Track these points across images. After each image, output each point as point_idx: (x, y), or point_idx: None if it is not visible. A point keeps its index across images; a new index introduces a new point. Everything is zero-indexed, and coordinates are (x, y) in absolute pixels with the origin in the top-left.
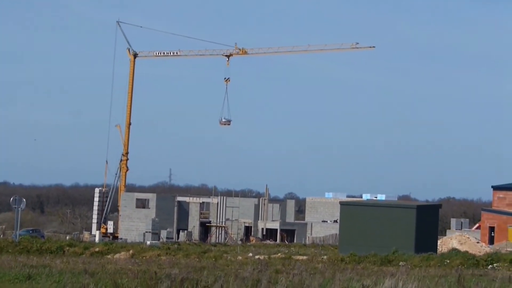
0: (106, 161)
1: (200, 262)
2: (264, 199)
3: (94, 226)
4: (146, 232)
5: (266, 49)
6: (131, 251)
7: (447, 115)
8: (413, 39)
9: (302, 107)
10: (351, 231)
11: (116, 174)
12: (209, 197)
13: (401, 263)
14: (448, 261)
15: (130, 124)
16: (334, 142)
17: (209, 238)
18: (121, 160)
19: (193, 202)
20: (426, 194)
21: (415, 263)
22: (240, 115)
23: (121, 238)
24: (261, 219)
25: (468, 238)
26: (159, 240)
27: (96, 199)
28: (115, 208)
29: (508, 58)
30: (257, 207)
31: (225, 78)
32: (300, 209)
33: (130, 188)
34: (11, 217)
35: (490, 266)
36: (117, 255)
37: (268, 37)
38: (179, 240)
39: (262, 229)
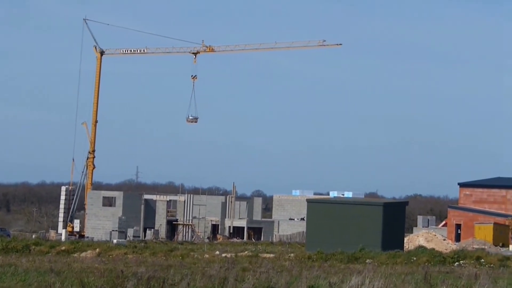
0: (73, 159)
1: (167, 261)
2: (231, 197)
3: (60, 225)
4: (113, 230)
5: (233, 46)
6: (97, 250)
7: (414, 112)
8: (379, 37)
9: (269, 104)
10: (318, 229)
11: (82, 172)
12: (176, 195)
13: (368, 260)
14: (414, 259)
15: (96, 121)
16: (301, 139)
17: (176, 236)
18: (87, 158)
19: (160, 200)
20: (393, 191)
21: (382, 261)
22: (207, 112)
23: (87, 237)
24: (228, 217)
25: (435, 235)
26: (125, 238)
27: (63, 197)
28: (81, 207)
29: (474, 54)
30: (224, 205)
31: (192, 76)
32: (267, 207)
33: (97, 186)
34: None
35: (457, 263)
36: (83, 254)
37: (235, 35)
38: (146, 238)
39: (229, 227)
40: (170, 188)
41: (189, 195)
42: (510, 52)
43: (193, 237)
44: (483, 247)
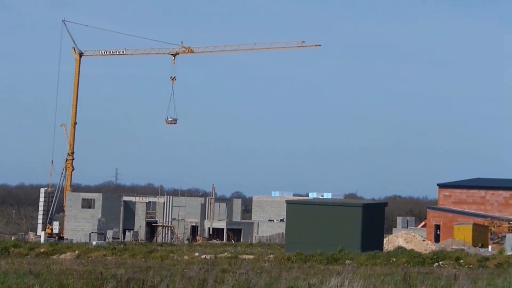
0: (52, 161)
1: (146, 262)
2: (211, 198)
3: (39, 227)
4: (92, 232)
5: (212, 47)
6: (76, 252)
7: (392, 113)
8: (358, 38)
9: (248, 106)
10: (298, 230)
11: (61, 173)
12: (156, 197)
13: (347, 261)
14: (394, 259)
15: (75, 123)
16: (280, 140)
17: (155, 238)
18: (66, 160)
19: (140, 201)
20: (372, 192)
21: (361, 262)
22: (187, 114)
23: (66, 239)
24: (207, 219)
25: (414, 236)
26: (105, 240)
27: (42, 199)
28: (61, 208)
29: (452, 54)
30: (203, 207)
31: (171, 77)
32: (247, 208)
33: (76, 188)
34: None
35: (436, 264)
36: (62, 256)
37: (214, 36)
38: (125, 240)
39: (209, 228)
40: (149, 190)
41: (168, 196)
42: (488, 53)
43: (172, 238)
44: (462, 247)
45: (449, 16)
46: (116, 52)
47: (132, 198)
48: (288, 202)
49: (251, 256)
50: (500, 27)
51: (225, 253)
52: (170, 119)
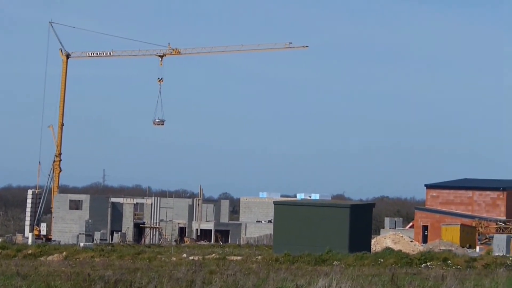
0: (39, 162)
1: (134, 264)
2: (198, 200)
3: (27, 228)
4: (80, 233)
5: (199, 49)
6: (64, 253)
7: (380, 114)
8: (346, 39)
9: (235, 107)
10: (285, 231)
11: (49, 175)
12: (143, 198)
13: (335, 262)
14: (382, 260)
15: (63, 125)
16: (268, 141)
17: (143, 239)
18: (54, 161)
19: (127, 203)
20: (360, 193)
21: (349, 262)
22: (174, 115)
23: (54, 240)
24: (195, 220)
25: (402, 237)
26: (92, 242)
27: (29, 200)
28: (48, 210)
29: (436, 57)
30: (191, 208)
31: (158, 78)
32: (235, 209)
33: (63, 189)
34: None
35: (424, 264)
36: (50, 257)
37: (201, 37)
38: (113, 241)
39: (197, 229)
40: (137, 191)
41: (156, 198)
42: (473, 54)
43: (160, 240)
44: (450, 248)
45: (433, 16)
46: (103, 53)
47: (120, 200)
48: (276, 203)
49: (239, 257)
50: (484, 27)
51: (213, 254)
52: (157, 120)
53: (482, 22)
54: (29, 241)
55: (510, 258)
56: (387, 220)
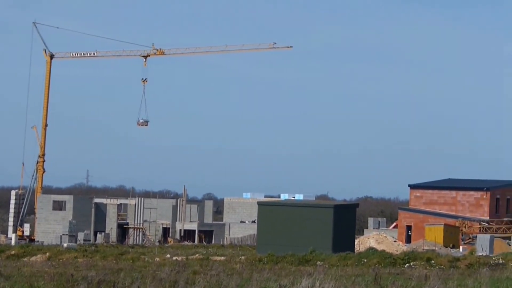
0: (23, 163)
1: (117, 264)
2: (182, 200)
3: (10, 229)
4: (63, 234)
5: (183, 49)
6: (47, 254)
7: (364, 114)
8: (329, 39)
9: (220, 107)
10: (269, 231)
11: (32, 176)
12: (127, 199)
13: (318, 262)
14: (365, 260)
15: (46, 125)
16: (252, 142)
17: (126, 240)
18: (37, 162)
19: (111, 203)
20: (343, 193)
21: (333, 263)
22: (158, 115)
23: (37, 241)
24: (179, 220)
25: (385, 237)
26: (76, 242)
27: (12, 201)
28: (31, 211)
29: (420, 54)
30: (175, 208)
31: (142, 79)
32: (218, 210)
33: (47, 190)
34: None
35: (407, 264)
36: (33, 258)
37: (185, 38)
38: (96, 242)
39: (180, 230)
40: (120, 192)
41: (139, 198)
42: (456, 54)
43: (144, 240)
44: (434, 248)
45: (418, 16)
46: (87, 54)
47: (103, 200)
48: (260, 204)
49: (222, 258)
50: (469, 30)
51: (197, 255)
52: (141, 120)
53: (466, 22)
54: (12, 242)
55: (493, 258)
56: (370, 220)
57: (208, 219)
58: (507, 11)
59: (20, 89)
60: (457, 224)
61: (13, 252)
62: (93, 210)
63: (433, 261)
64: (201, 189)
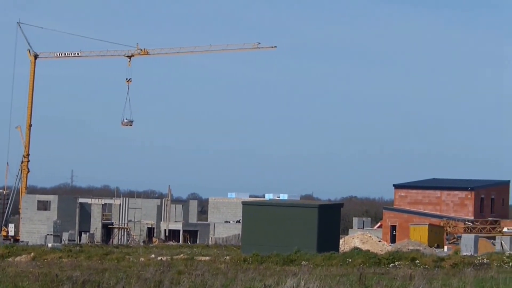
0: (7, 163)
1: (102, 264)
2: (167, 200)
3: None
4: (48, 234)
5: (167, 49)
6: (32, 254)
7: (348, 115)
8: (314, 39)
9: (204, 107)
10: (254, 231)
11: (17, 176)
12: (112, 199)
13: (303, 262)
14: (350, 260)
15: (31, 125)
16: (236, 142)
17: (111, 240)
18: (22, 162)
19: (95, 203)
20: (328, 193)
21: (317, 262)
22: (143, 115)
23: (22, 241)
24: (163, 220)
25: (370, 237)
26: (61, 242)
27: None
28: (16, 211)
29: (405, 55)
30: (159, 208)
31: (126, 79)
32: (203, 210)
33: (32, 190)
34: None
35: (392, 264)
36: (18, 258)
37: (170, 38)
38: (81, 242)
39: (165, 230)
40: (105, 192)
41: (124, 198)
42: (433, 54)
43: (128, 240)
44: (418, 248)
45: (402, 17)
46: (71, 54)
47: (88, 200)
48: (244, 203)
49: (207, 258)
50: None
51: (181, 255)
52: (125, 120)
53: (446, 22)
54: None
55: (478, 258)
56: (355, 220)
57: (193, 219)
58: (479, 11)
59: (4, 89)
60: (441, 224)
61: None
62: (77, 210)
63: (417, 261)
64: (185, 189)
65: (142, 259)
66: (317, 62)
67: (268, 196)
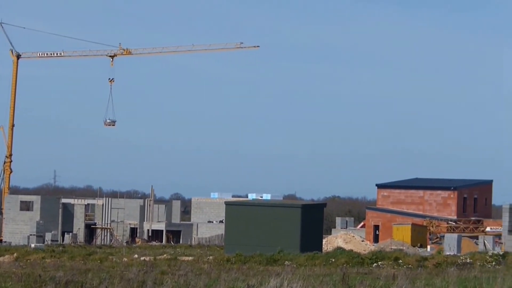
0: None
1: (85, 265)
2: (150, 200)
3: None
4: (31, 235)
5: (150, 49)
6: (15, 254)
7: (330, 114)
8: (297, 39)
9: (187, 107)
10: (237, 231)
11: None
12: (94, 199)
13: (286, 262)
14: (333, 260)
15: (13, 125)
16: (219, 142)
17: (94, 240)
18: (4, 162)
19: (78, 204)
20: (311, 193)
21: (301, 262)
22: (125, 115)
23: (5, 242)
24: (146, 220)
25: (353, 236)
26: (44, 243)
27: None
28: None
29: (386, 57)
30: (142, 208)
31: (109, 79)
32: (186, 210)
33: (14, 190)
34: None
35: (375, 264)
36: (1, 259)
37: (152, 37)
38: (64, 242)
39: (148, 230)
40: (88, 192)
41: (107, 198)
42: (414, 55)
43: (111, 240)
44: (401, 248)
45: (381, 17)
46: (53, 54)
47: (71, 200)
48: (227, 203)
49: (190, 258)
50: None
51: (164, 255)
52: (108, 120)
53: (416, 21)
54: None
55: (461, 257)
56: (338, 220)
57: (176, 219)
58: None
59: None
60: (424, 224)
61: None
62: (60, 210)
63: (400, 261)
64: (168, 189)
65: (125, 259)
66: (300, 61)
67: (251, 196)
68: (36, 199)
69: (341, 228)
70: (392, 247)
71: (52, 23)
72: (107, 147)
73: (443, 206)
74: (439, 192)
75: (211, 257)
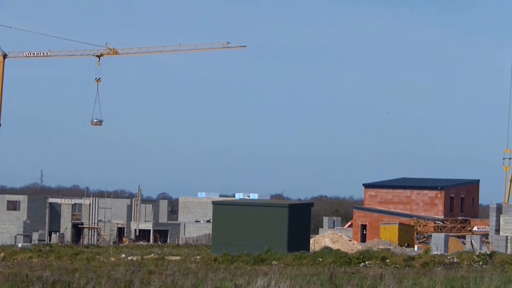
0: None
1: (72, 264)
2: (137, 200)
3: None
4: (18, 234)
5: (137, 49)
6: (2, 254)
7: (317, 114)
8: (283, 38)
9: (174, 107)
10: (224, 231)
11: None
12: (81, 199)
13: (274, 262)
14: (320, 260)
15: (0, 125)
16: (205, 141)
17: (81, 239)
18: None
19: (65, 203)
20: (298, 193)
21: (288, 262)
22: (112, 115)
23: None
24: (134, 220)
25: (341, 236)
26: (30, 242)
27: None
28: None
29: (374, 57)
30: (129, 208)
31: (96, 79)
32: (173, 209)
33: (1, 190)
34: None
35: (362, 264)
36: None
37: (139, 37)
38: (51, 242)
39: (135, 230)
40: (75, 192)
41: (94, 198)
42: (401, 53)
43: (98, 240)
44: (389, 247)
45: (367, 16)
46: (40, 53)
47: (58, 200)
48: (214, 203)
49: (177, 257)
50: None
51: (152, 255)
52: (95, 120)
53: (408, 21)
54: None
55: (448, 257)
56: (325, 220)
57: (163, 218)
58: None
59: None
60: (411, 223)
61: None
62: (47, 210)
63: (388, 260)
64: (155, 189)
65: (112, 259)
66: (287, 61)
67: (238, 196)
68: (23, 199)
69: (329, 227)
70: (380, 247)
71: (39, 22)
72: (94, 146)
73: (430, 206)
74: (426, 191)
75: (198, 257)
